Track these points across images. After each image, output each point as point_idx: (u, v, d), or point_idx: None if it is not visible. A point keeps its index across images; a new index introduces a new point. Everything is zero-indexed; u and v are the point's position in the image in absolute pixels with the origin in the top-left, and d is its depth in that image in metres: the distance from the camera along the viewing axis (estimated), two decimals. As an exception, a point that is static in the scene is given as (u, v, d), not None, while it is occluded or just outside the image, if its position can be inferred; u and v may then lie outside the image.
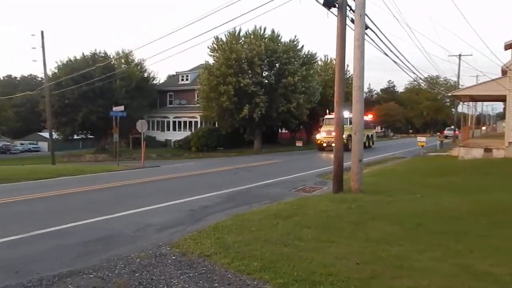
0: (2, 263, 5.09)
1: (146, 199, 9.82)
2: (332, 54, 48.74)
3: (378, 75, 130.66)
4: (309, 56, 34.80)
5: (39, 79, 59.67)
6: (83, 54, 39.97)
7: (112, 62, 38.48)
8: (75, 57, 39.50)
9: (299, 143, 37.45)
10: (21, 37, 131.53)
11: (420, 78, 39.43)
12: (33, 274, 4.54)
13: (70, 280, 4.34)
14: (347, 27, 10.16)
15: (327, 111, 30.26)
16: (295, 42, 33.10)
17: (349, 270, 4.43)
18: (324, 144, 28.58)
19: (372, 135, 33.47)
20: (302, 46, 33.75)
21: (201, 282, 4.27)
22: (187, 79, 45.20)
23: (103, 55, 40.50)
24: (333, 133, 27.53)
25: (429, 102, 71.25)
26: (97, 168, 19.39)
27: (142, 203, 8.98)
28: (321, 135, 29.50)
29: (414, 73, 24.58)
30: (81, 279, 4.37)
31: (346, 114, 28.28)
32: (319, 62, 41.19)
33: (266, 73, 32.39)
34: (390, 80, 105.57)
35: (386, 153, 25.66)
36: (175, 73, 49.44)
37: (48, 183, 13.94)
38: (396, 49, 16.78)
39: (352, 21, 10.29)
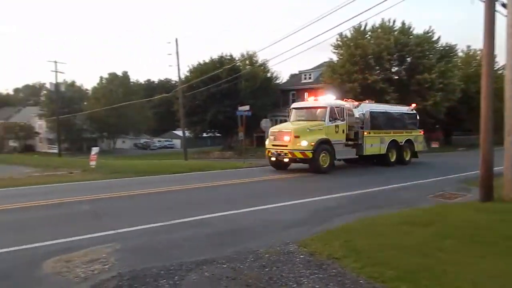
0: (149, 247, 5.67)
1: (272, 196, 10.02)
2: (476, 45, 43.14)
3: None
4: (447, 48, 31.53)
5: (173, 82, 66.38)
6: (211, 57, 43.42)
7: (237, 64, 40.86)
8: (204, 60, 43.27)
9: (435, 144, 34.03)
10: (159, 44, 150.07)
11: None
12: (174, 259, 4.93)
13: (206, 268, 4.59)
14: (496, 13, 8.74)
15: (307, 97, 18.64)
16: (430, 33, 30.35)
17: (508, 293, 3.74)
18: (273, 158, 15.92)
19: (413, 140, 18.78)
20: (439, 38, 30.83)
21: (331, 284, 4.10)
22: (310, 78, 45.32)
23: (229, 57, 43.33)
24: (287, 137, 15.00)
25: None
26: (225, 165, 20.65)
27: (268, 200, 9.17)
28: (269, 141, 16.24)
29: None
30: (215, 268, 4.59)
31: (327, 100, 16.84)
32: (460, 54, 36.92)
33: (396, 68, 30.41)
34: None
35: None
36: (297, 72, 50.07)
37: (183, 177, 15.14)
38: None
39: (504, 5, 8.80)
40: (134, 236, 6.25)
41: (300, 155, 14.70)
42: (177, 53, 33.89)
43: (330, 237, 5.74)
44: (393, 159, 17.68)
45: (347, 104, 17.15)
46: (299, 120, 16.41)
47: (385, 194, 10.34)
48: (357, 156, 16.73)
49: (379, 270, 4.36)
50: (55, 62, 42.09)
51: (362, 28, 30.46)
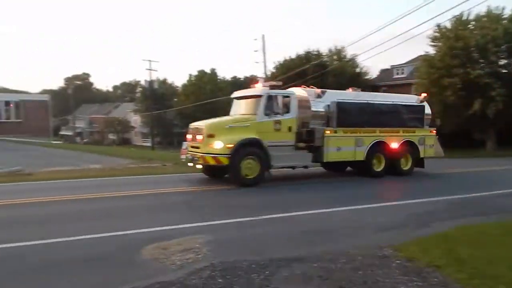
0: (239, 240, 5.84)
1: (362, 197, 9.66)
2: None
3: None
4: None
5: (259, 79, 67.16)
6: (297, 53, 42.99)
7: (324, 60, 39.92)
8: (290, 56, 42.79)
9: (548, 148, 29.86)
10: (245, 41, 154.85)
11: None
12: (264, 254, 4.94)
13: (296, 265, 4.53)
14: None
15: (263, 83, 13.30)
16: (548, 21, 26.56)
17: None
18: (189, 164, 12.00)
19: (416, 143, 13.76)
20: (559, 25, 26.77)
21: (433, 294, 3.77)
22: (402, 73, 42.97)
23: (316, 53, 42.49)
24: (199, 137, 11.36)
25: None
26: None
27: (358, 200, 8.85)
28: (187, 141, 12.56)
29: None
30: (305, 266, 4.51)
31: (266, 85, 12.32)
32: None
33: (505, 61, 27.20)
34: None
35: None
36: (389, 67, 47.64)
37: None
38: None
39: None
40: (224, 228, 6.44)
41: (212, 161, 10.85)
42: (263, 49, 34.28)
43: (429, 243, 5.34)
44: (379, 167, 13.07)
45: (302, 92, 12.94)
46: (238, 114, 12.64)
47: (490, 201, 9.31)
48: (312, 163, 12.37)
49: (489, 284, 3.96)
50: (149, 61, 45.44)
51: (464, 17, 27.79)
